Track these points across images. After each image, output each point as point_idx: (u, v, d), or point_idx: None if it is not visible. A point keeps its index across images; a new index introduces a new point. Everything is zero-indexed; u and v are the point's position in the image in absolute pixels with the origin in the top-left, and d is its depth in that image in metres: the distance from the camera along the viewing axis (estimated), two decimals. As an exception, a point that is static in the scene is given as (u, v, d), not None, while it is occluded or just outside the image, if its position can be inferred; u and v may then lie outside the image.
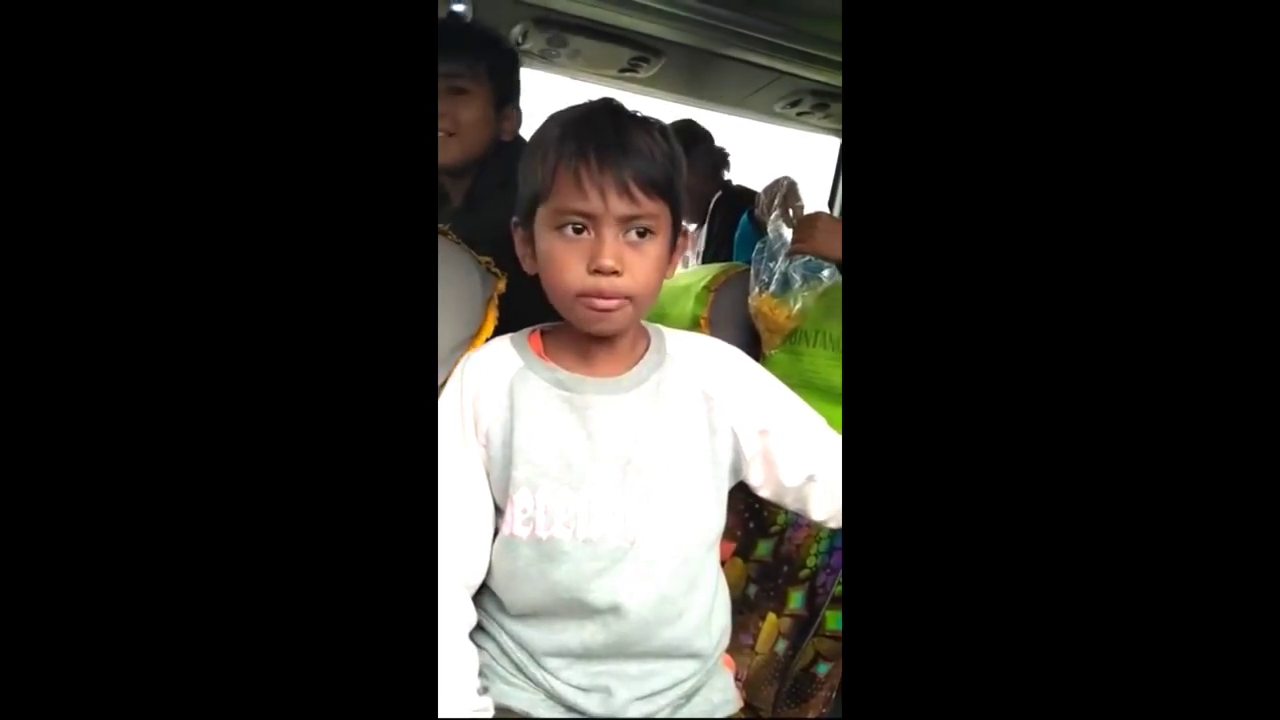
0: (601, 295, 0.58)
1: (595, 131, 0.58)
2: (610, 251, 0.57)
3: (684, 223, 0.65)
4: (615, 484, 0.62)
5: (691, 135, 1.80)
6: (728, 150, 1.93)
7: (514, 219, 0.65)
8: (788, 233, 1.08)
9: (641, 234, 0.59)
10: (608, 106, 0.62)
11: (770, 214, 1.12)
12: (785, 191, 1.14)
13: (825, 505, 0.70)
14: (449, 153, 1.04)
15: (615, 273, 0.57)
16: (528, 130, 1.10)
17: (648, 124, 0.61)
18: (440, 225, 0.77)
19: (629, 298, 0.59)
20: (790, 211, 1.11)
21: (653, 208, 0.58)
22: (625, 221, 0.58)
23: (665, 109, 1.71)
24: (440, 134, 1.02)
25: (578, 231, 0.58)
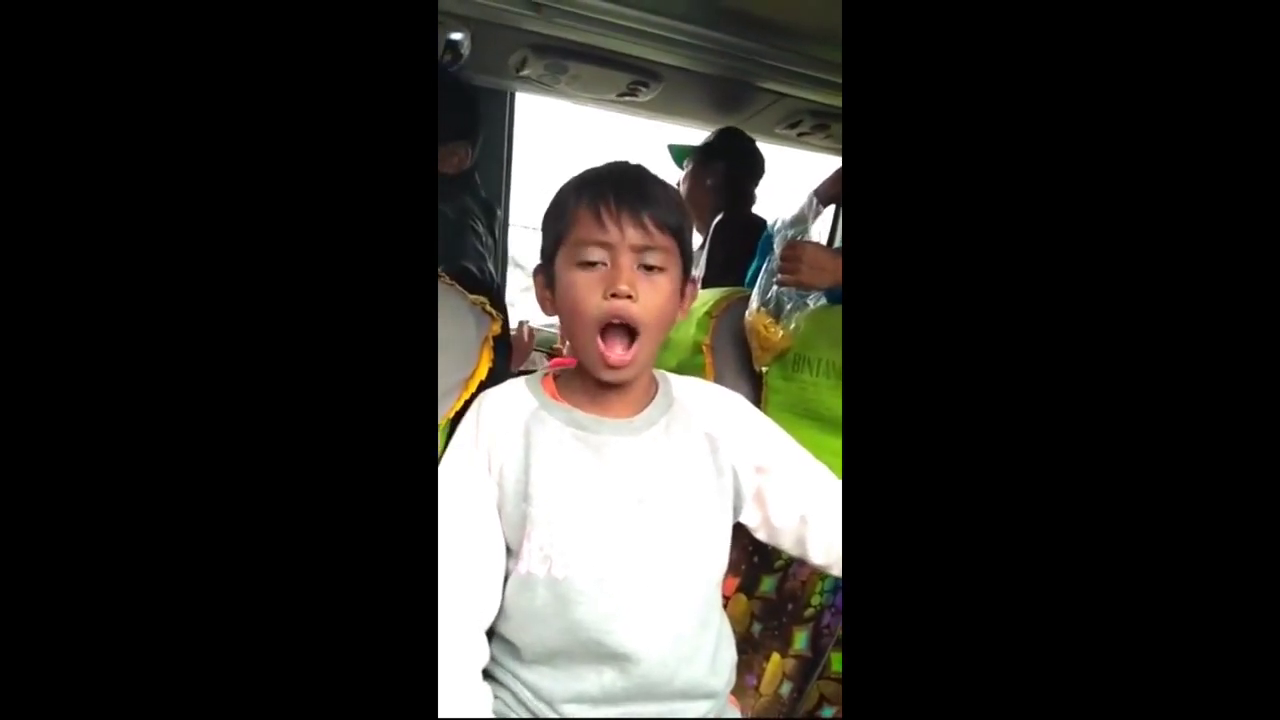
0: (617, 316, 0.63)
1: (615, 180, 0.65)
2: (625, 278, 0.62)
3: (692, 272, 0.70)
4: (629, 522, 0.64)
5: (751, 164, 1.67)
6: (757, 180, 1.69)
7: (535, 265, 0.70)
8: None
9: (650, 269, 0.64)
10: (627, 165, 0.68)
11: (780, 232, 1.10)
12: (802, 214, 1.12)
13: (822, 548, 0.72)
14: None
15: (629, 297, 0.62)
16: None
17: (664, 183, 0.67)
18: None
19: (637, 328, 0.63)
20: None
21: (664, 241, 0.64)
22: (638, 251, 0.63)
23: (665, 132, 1.71)
24: None
25: (590, 265, 0.63)
